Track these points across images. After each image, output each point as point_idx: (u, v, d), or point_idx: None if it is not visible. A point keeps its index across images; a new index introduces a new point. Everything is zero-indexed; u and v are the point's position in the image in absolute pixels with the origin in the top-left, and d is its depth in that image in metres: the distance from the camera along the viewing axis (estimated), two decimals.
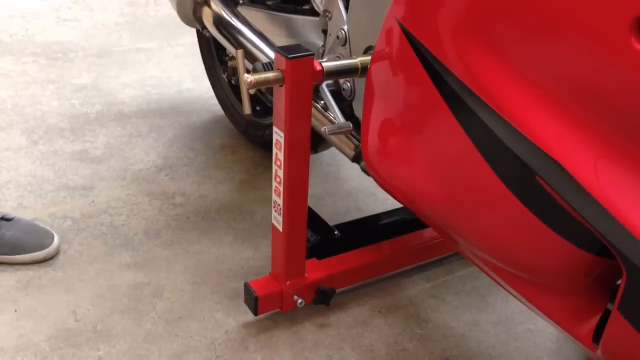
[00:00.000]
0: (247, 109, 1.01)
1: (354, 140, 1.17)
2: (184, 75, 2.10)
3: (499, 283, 0.91)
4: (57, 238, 1.33)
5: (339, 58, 1.17)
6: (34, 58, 2.20)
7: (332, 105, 1.14)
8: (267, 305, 1.19)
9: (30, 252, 1.28)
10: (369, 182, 1.61)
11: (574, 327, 0.82)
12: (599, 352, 0.77)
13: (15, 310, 1.22)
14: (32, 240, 1.30)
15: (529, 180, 0.74)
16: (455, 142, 0.82)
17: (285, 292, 1.18)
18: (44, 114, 1.86)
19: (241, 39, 1.39)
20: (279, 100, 1.02)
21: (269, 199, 1.14)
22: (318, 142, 1.43)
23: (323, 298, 1.21)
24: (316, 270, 1.22)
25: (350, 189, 1.65)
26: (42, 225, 1.36)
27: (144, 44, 2.30)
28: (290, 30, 1.40)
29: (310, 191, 1.14)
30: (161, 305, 1.25)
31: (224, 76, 1.76)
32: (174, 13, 1.56)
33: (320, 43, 1.27)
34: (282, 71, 0.99)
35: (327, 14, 1.20)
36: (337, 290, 1.24)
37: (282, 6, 1.48)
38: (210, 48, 1.78)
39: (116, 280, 1.30)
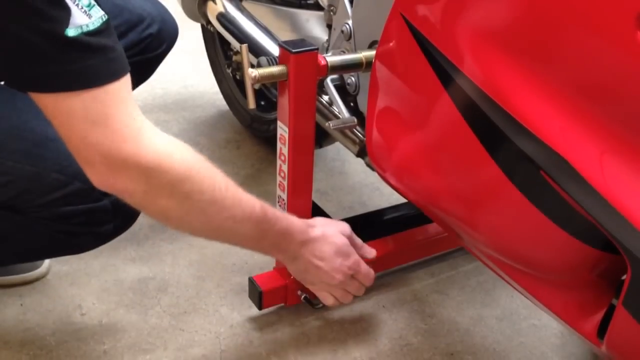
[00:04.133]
0: (251, 103, 1.01)
1: (359, 135, 1.17)
2: (188, 70, 2.10)
3: (503, 278, 0.91)
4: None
5: (343, 53, 1.16)
6: None
7: (336, 100, 1.14)
8: (272, 300, 1.19)
9: (21, 272, 1.24)
10: (373, 177, 1.60)
11: (578, 323, 0.82)
12: (603, 347, 0.77)
13: (21, 304, 1.22)
14: None
15: (534, 175, 0.73)
16: (459, 136, 0.82)
17: (290, 287, 1.18)
18: None
19: (245, 33, 1.39)
20: (284, 95, 1.02)
21: (273, 194, 1.14)
22: (322, 137, 1.43)
23: None
24: None
25: (355, 184, 1.65)
26: None
27: None
28: (295, 24, 1.40)
29: (314, 186, 1.14)
30: (166, 299, 1.26)
31: (229, 71, 1.76)
32: (178, 8, 1.56)
33: (325, 38, 1.27)
34: (286, 66, 0.99)
35: (331, 8, 1.20)
36: None
37: (286, 1, 1.48)
38: (214, 43, 1.78)
39: (121, 274, 1.31)
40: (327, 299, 1.12)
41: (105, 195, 0.96)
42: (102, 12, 0.77)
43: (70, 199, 0.95)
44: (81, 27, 0.75)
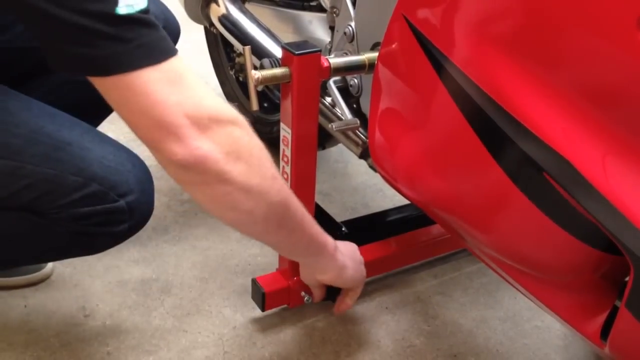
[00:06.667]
0: (254, 105, 1.01)
1: (361, 136, 1.17)
2: None
3: (506, 280, 0.91)
4: None
5: (346, 54, 1.17)
6: None
7: (339, 102, 1.14)
8: (275, 301, 1.19)
9: (25, 274, 1.25)
10: (376, 179, 1.60)
11: (581, 324, 0.81)
12: (607, 349, 0.77)
13: (25, 306, 1.22)
14: None
15: (536, 176, 0.73)
16: (462, 138, 0.82)
17: (293, 288, 1.18)
18: None
19: (248, 35, 1.39)
20: (287, 97, 1.02)
21: None
22: (325, 138, 1.43)
23: (330, 294, 1.21)
24: None
25: (358, 186, 1.65)
26: None
27: None
28: (298, 26, 1.40)
29: (317, 188, 1.14)
30: (169, 301, 1.26)
31: (232, 73, 1.76)
32: (181, 10, 1.56)
33: (328, 39, 1.27)
34: (289, 68, 0.99)
35: (334, 10, 1.20)
36: None
37: (289, 2, 1.48)
38: (217, 45, 1.79)
39: (125, 276, 1.31)
40: (318, 295, 1.17)
41: (120, 196, 0.97)
42: None
43: (88, 200, 0.96)
44: (132, 5, 0.73)
